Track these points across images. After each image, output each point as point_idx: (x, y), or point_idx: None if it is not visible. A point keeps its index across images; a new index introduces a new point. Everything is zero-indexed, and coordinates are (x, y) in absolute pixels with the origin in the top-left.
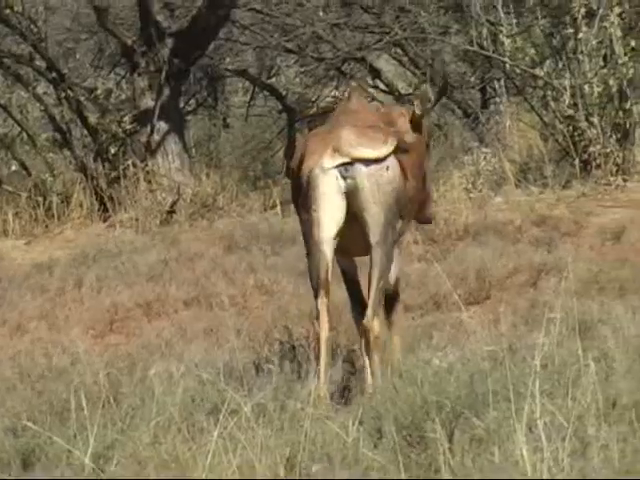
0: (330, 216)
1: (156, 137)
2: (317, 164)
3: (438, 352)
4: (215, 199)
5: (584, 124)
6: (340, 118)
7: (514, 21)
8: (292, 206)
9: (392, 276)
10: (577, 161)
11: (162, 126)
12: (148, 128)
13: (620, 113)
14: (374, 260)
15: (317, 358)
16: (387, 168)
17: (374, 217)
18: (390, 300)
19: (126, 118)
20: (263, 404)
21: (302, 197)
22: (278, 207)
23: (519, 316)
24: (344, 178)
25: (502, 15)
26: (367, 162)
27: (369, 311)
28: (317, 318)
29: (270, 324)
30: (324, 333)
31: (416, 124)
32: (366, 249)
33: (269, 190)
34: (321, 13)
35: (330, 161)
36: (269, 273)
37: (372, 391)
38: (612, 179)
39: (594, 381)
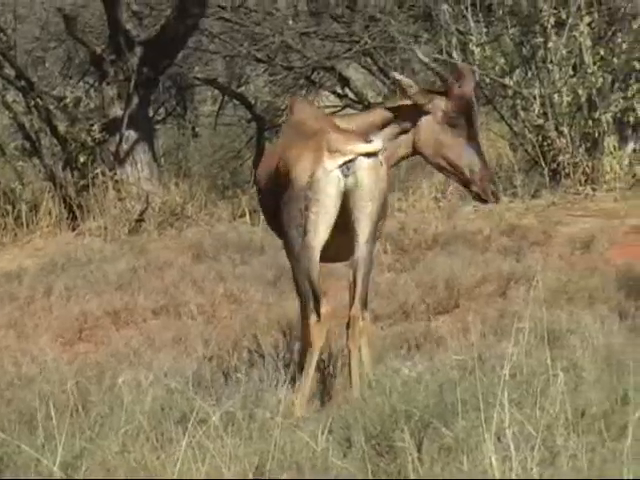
0: (327, 220)
1: (125, 146)
2: (317, 167)
3: (407, 361)
4: (184, 208)
5: (553, 133)
6: (302, 126)
7: (483, 30)
8: (262, 216)
9: None
10: (546, 170)
11: (131, 135)
12: (117, 137)
13: (589, 122)
14: (360, 259)
15: (306, 370)
16: (381, 163)
17: (367, 215)
18: None
19: (95, 127)
20: (232, 413)
21: (293, 203)
22: (247, 216)
23: (488, 325)
24: (345, 177)
25: (472, 24)
26: (368, 156)
27: (358, 302)
28: (314, 327)
29: (239, 333)
30: (320, 342)
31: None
32: (339, 254)
33: (238, 199)
34: (290, 22)
35: (332, 162)
36: (238, 282)
37: (357, 386)
38: (581, 188)
39: (563, 391)
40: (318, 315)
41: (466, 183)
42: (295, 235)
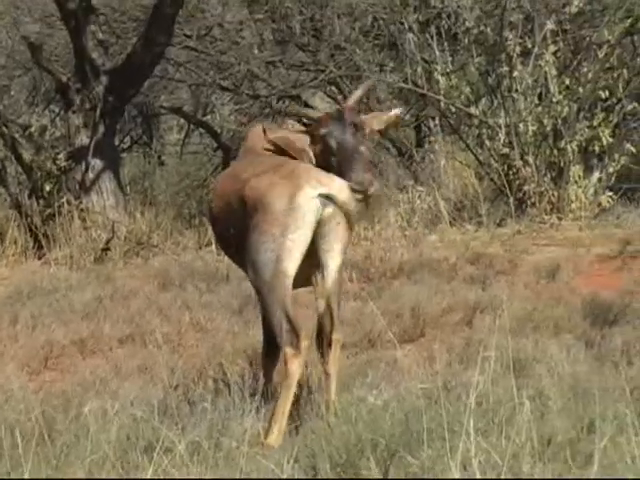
0: (303, 247)
1: (91, 174)
2: (298, 193)
3: (373, 390)
4: (150, 237)
5: (519, 163)
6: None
7: (449, 59)
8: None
9: None
10: (512, 199)
11: (97, 164)
12: (83, 166)
13: (555, 152)
14: (334, 285)
15: (281, 405)
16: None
17: (341, 243)
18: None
19: (61, 155)
20: (197, 442)
21: (265, 228)
22: (213, 245)
23: (454, 354)
24: (323, 205)
25: (437, 53)
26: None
27: (337, 324)
28: (291, 360)
29: (205, 362)
30: (298, 376)
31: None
32: (300, 280)
33: (204, 228)
34: (256, 51)
35: (313, 190)
36: (204, 311)
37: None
38: (547, 217)
39: (529, 419)
40: (297, 347)
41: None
42: (266, 261)
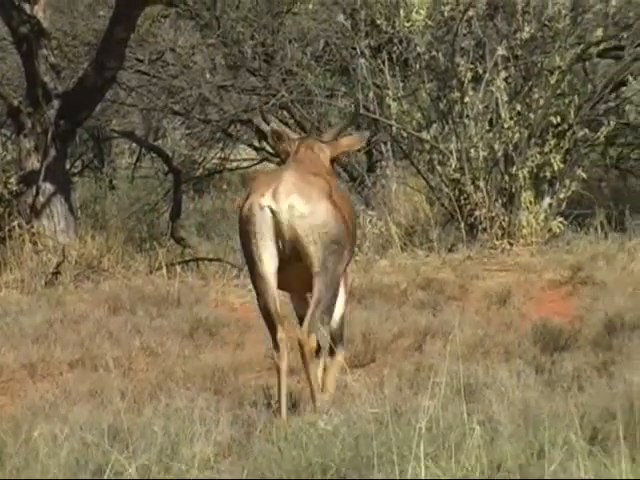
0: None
1: (42, 198)
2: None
3: (323, 414)
4: (100, 261)
5: (470, 188)
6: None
7: (400, 84)
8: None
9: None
10: (463, 225)
11: (48, 187)
12: (34, 189)
13: (506, 177)
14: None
15: (278, 390)
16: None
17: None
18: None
19: (12, 179)
20: (147, 466)
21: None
22: (164, 269)
23: (404, 379)
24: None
25: (388, 78)
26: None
27: (305, 326)
28: (276, 350)
29: (155, 386)
30: (284, 364)
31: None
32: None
33: (155, 252)
34: (208, 75)
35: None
36: (154, 335)
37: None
38: (498, 243)
39: (479, 444)
40: (276, 341)
41: None
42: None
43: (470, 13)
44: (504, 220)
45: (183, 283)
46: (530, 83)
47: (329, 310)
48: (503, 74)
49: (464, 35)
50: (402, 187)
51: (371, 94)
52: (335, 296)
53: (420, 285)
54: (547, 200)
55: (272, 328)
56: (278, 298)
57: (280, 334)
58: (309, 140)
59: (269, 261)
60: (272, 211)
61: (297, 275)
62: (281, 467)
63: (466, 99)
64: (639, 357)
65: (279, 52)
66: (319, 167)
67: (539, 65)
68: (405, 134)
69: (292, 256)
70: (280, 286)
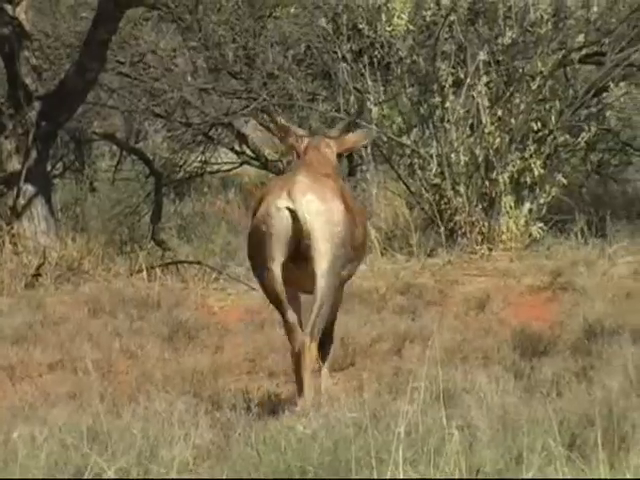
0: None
1: (22, 200)
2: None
3: (302, 418)
4: (81, 263)
5: (450, 193)
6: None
7: (381, 89)
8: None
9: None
10: (443, 229)
11: (29, 189)
12: (14, 191)
13: (486, 182)
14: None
15: (297, 373)
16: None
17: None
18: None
19: None
20: (126, 468)
21: None
22: (144, 272)
23: (383, 384)
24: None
25: (369, 83)
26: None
27: (307, 329)
28: (290, 333)
29: (134, 388)
30: (296, 348)
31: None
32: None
33: (135, 254)
34: (189, 78)
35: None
36: (134, 337)
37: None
38: (477, 248)
39: (457, 449)
40: (287, 322)
41: None
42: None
43: (452, 18)
44: (484, 225)
45: (163, 286)
46: (511, 88)
47: (323, 319)
48: (484, 79)
49: (445, 40)
50: (382, 191)
51: (352, 98)
52: (334, 305)
53: (399, 290)
54: (527, 205)
55: (282, 312)
56: (283, 287)
57: (291, 316)
58: (316, 140)
59: (279, 259)
60: (290, 210)
61: (297, 275)
62: (260, 470)
63: (447, 104)
64: (618, 363)
65: (260, 55)
66: (328, 168)
67: (520, 70)
68: (385, 138)
69: (297, 256)
70: None
